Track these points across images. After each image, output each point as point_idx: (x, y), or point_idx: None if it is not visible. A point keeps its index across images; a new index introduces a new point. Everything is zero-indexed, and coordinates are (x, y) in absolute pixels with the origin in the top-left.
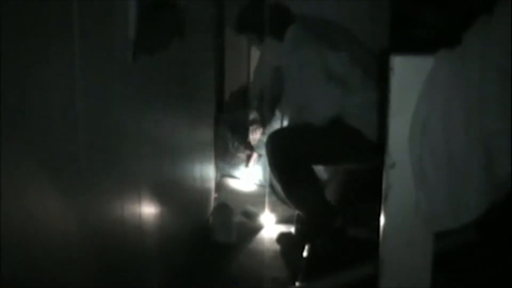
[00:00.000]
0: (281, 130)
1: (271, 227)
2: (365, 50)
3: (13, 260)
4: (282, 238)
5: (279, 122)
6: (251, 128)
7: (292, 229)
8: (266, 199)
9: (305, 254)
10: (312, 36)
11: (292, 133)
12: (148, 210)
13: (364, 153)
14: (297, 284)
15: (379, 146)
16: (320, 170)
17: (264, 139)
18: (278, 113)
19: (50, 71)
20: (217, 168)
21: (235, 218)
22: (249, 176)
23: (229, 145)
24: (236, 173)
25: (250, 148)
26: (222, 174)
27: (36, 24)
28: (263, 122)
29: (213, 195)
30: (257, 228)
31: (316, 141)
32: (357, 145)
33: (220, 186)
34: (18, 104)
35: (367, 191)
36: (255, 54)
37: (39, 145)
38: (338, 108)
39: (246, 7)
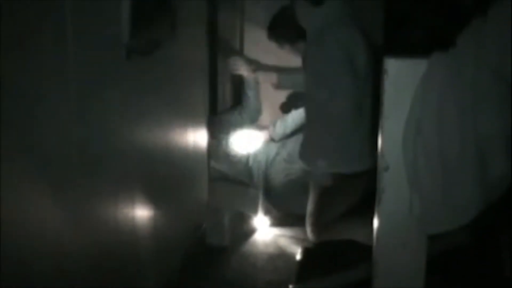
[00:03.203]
0: None
1: (264, 230)
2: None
3: (8, 264)
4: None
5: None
6: None
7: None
8: (260, 202)
9: (298, 257)
10: (340, 20)
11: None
12: (142, 213)
13: None
14: (290, 286)
15: None
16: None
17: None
18: None
19: (44, 71)
20: (210, 170)
21: (228, 221)
22: (243, 179)
23: (222, 146)
24: (230, 176)
25: None
26: (216, 177)
27: (29, 25)
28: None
29: (207, 198)
30: (251, 231)
31: None
32: None
33: (213, 189)
34: (11, 107)
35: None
36: (248, 53)
37: (33, 149)
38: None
39: None
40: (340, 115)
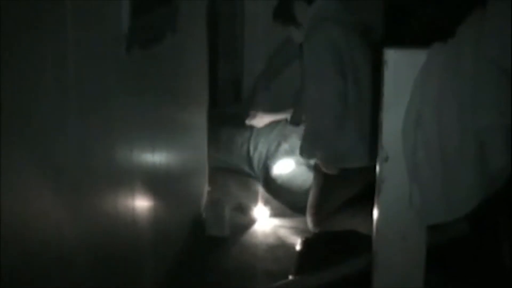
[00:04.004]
0: None
1: (264, 221)
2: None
3: (8, 255)
4: None
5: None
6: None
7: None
8: (259, 193)
9: (298, 247)
10: (333, 16)
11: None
12: (142, 204)
13: None
14: (290, 277)
15: None
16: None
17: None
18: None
19: (44, 65)
20: (210, 161)
21: (228, 211)
22: (242, 169)
23: (222, 138)
24: (230, 166)
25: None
26: (215, 168)
27: (29, 19)
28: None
29: (206, 188)
30: (250, 222)
31: None
32: None
33: (213, 180)
34: (12, 102)
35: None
36: (248, 48)
37: (32, 140)
38: None
39: None
40: (327, 109)
